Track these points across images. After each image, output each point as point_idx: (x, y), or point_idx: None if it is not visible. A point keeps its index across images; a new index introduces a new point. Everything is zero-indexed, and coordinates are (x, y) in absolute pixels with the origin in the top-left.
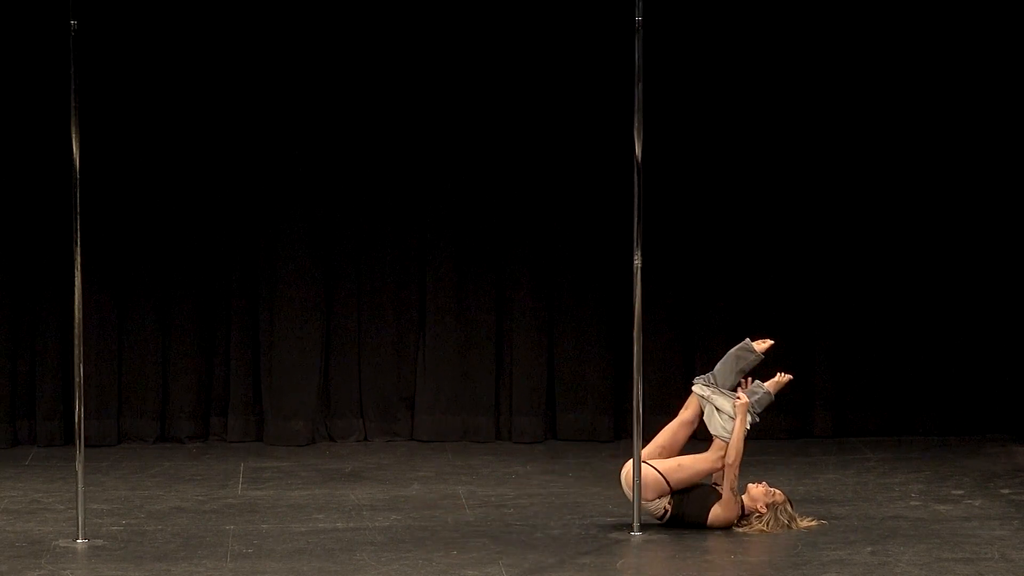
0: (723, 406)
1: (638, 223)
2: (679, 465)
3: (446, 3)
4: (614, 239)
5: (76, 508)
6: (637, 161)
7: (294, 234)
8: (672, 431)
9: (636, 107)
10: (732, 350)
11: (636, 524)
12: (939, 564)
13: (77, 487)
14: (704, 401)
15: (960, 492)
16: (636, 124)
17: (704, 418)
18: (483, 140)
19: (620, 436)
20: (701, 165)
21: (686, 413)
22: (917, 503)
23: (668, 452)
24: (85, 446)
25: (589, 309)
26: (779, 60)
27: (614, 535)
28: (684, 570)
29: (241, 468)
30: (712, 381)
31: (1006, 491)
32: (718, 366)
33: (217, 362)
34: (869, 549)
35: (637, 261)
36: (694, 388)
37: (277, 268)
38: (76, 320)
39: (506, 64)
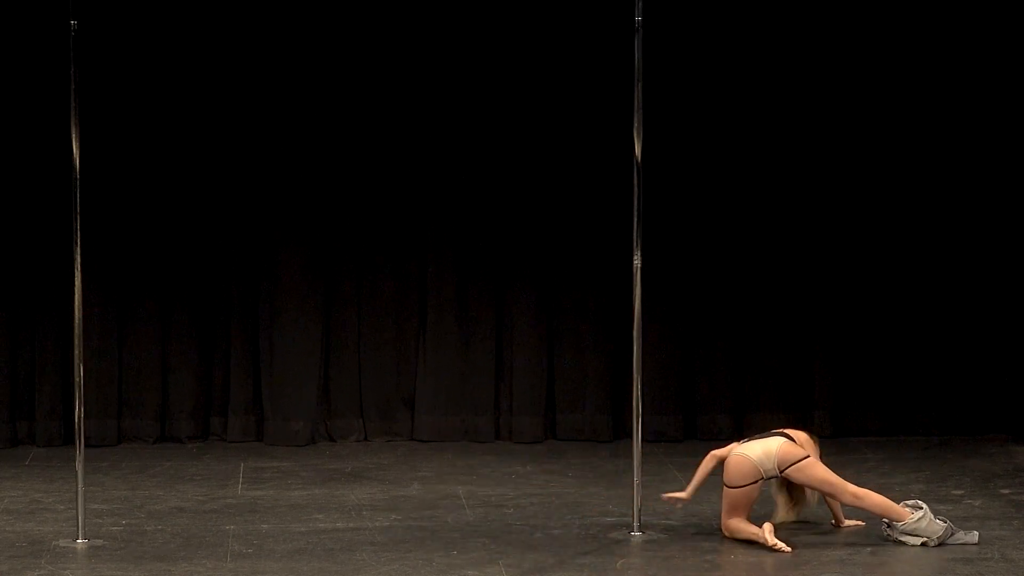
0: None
1: (638, 223)
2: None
3: (446, 3)
4: (614, 239)
5: (76, 508)
6: (637, 161)
7: (294, 233)
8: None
9: (636, 107)
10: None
11: (636, 524)
12: (939, 564)
13: (77, 487)
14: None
15: (960, 492)
16: (636, 124)
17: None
18: (483, 140)
19: (620, 436)
20: (701, 165)
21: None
22: None
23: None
24: (85, 446)
25: (589, 309)
26: (779, 60)
27: (614, 535)
28: (684, 570)
29: (241, 468)
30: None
31: (1006, 491)
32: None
33: (217, 362)
34: (869, 549)
35: (637, 261)
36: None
37: (277, 267)
38: (76, 320)
39: (506, 64)
